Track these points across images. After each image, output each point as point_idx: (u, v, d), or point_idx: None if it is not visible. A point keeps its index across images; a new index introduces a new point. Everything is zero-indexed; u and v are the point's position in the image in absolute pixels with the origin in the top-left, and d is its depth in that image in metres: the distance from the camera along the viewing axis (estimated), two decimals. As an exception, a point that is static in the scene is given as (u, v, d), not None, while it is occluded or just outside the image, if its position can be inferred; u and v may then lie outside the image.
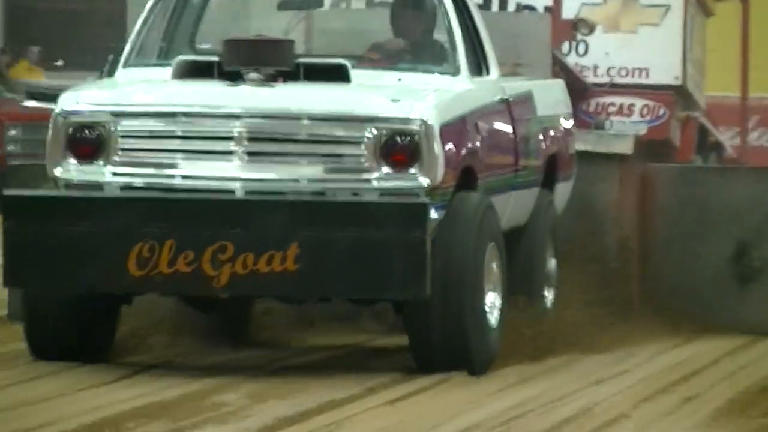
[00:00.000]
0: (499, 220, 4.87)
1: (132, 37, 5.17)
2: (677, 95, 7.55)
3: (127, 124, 4.55)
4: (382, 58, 5.36)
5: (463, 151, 4.79)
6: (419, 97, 4.69)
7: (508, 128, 5.35)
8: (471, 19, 5.39)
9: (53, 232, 4.28)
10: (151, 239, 4.16)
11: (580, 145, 6.04)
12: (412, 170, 4.44)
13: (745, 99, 9.86)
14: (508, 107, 5.39)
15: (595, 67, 7.29)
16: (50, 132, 4.58)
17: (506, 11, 7.22)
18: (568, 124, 6.10)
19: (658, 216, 6.07)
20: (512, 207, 5.34)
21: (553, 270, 5.68)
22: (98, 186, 4.50)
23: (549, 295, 5.60)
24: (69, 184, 4.52)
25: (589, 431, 3.65)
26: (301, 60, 4.80)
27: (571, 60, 7.25)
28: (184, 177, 4.47)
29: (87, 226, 4.25)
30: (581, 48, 7.19)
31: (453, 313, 4.56)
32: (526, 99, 5.70)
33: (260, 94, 4.54)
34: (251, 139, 4.44)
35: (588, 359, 5.13)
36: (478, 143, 4.91)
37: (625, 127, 7.03)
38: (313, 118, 4.47)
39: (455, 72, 5.05)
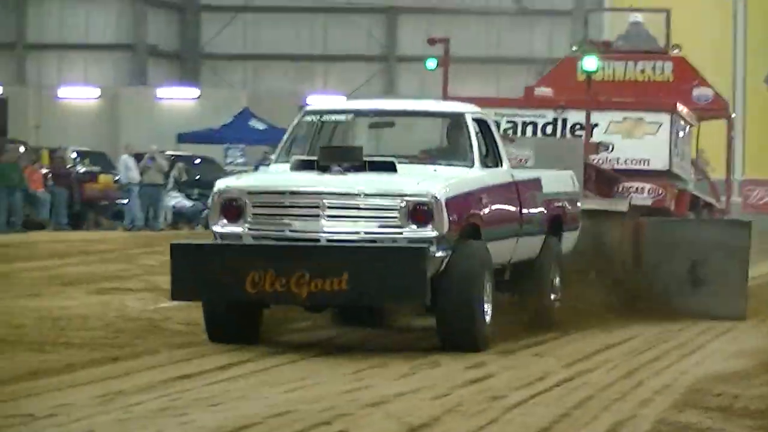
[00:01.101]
0: (491, 258, 7.17)
1: (280, 144, 8.00)
2: (669, 179, 10.75)
3: (256, 198, 6.97)
4: (428, 156, 7.91)
5: (467, 214, 7.08)
6: (435, 181, 6.97)
7: (513, 199, 7.88)
8: (491, 135, 8.06)
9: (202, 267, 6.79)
10: (260, 269, 6.57)
11: (596, 205, 9.53)
12: (428, 227, 6.74)
13: (729, 179, 13.85)
14: (516, 186, 7.97)
15: (618, 159, 10.64)
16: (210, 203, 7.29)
17: (558, 138, 10.67)
18: (571, 197, 8.91)
19: (644, 249, 9.74)
20: (520, 247, 7.96)
21: (557, 284, 8.46)
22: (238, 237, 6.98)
23: (553, 298, 8.40)
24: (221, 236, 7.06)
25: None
26: (366, 158, 7.10)
27: (604, 156, 10.49)
28: (291, 230, 6.90)
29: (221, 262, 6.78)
30: (611, 148, 10.52)
31: (464, 312, 6.86)
32: (534, 182, 8.40)
33: (335, 179, 6.92)
34: (330, 207, 6.81)
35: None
36: (481, 209, 7.29)
37: (640, 200, 10.45)
38: (366, 194, 6.81)
39: (471, 165, 7.60)
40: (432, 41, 11.48)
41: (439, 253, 6.75)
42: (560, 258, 8.66)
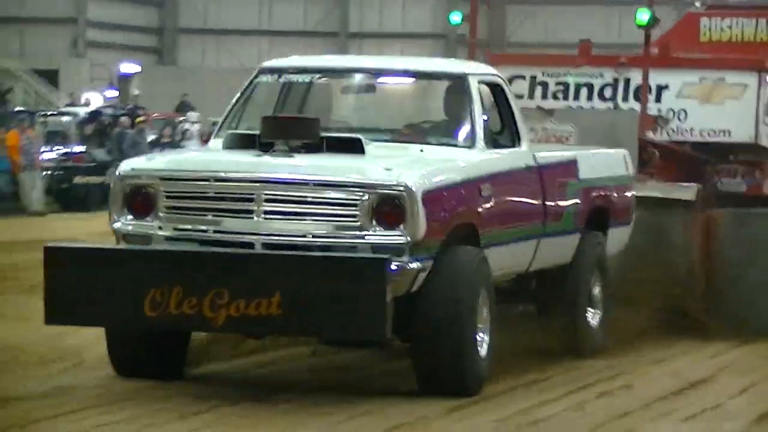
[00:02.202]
0: (488, 271, 5.41)
1: (224, 113, 6.19)
2: (757, 155, 9.03)
3: (170, 186, 5.29)
4: (414, 133, 6.08)
5: (457, 212, 5.35)
6: (412, 167, 5.23)
7: (534, 189, 6.12)
8: (508, 105, 6.22)
9: (86, 279, 5.08)
10: (164, 286, 4.93)
11: (654, 192, 7.74)
12: (399, 229, 5.02)
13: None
14: (539, 172, 6.18)
15: (691, 129, 8.77)
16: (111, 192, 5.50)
17: (607, 108, 8.95)
18: (622, 183, 7.13)
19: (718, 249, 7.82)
20: (543, 251, 6.16)
21: (598, 295, 6.68)
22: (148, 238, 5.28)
23: (592, 314, 6.64)
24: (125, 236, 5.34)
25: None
26: (325, 134, 5.43)
27: (673, 124, 8.81)
28: (215, 231, 5.17)
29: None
30: (682, 115, 8.80)
31: (448, 346, 5.16)
32: (566, 165, 6.61)
33: (278, 161, 5.22)
34: (268, 200, 5.10)
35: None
36: (480, 204, 5.51)
37: (733, 185, 8.93)
38: (318, 184, 5.11)
39: (471, 145, 5.81)
40: None
41: (413, 265, 5.06)
42: (604, 263, 6.83)
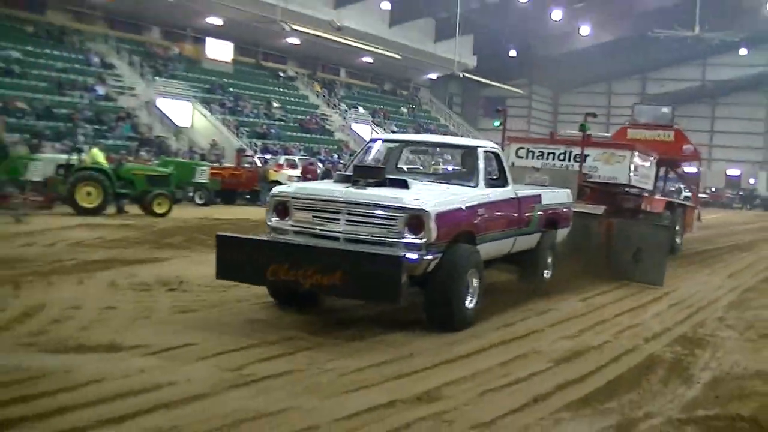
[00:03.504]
0: (478, 258, 8.58)
1: (348, 161, 10.71)
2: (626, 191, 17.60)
3: (296, 202, 8.31)
4: (444, 177, 9.91)
5: (458, 224, 8.30)
6: (429, 197, 8.04)
7: (513, 209, 9.92)
8: (501, 164, 10.09)
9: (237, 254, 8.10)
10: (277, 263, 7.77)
11: (582, 209, 13.69)
12: (421, 234, 7.77)
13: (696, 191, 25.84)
14: (518, 201, 10.12)
15: (599, 176, 16.72)
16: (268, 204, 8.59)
17: (563, 167, 16.02)
18: (566, 206, 12.26)
19: (613, 238, 13.63)
20: (520, 241, 10.28)
21: (550, 264, 11.48)
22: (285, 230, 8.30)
23: (547, 274, 11.48)
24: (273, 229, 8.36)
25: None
26: (388, 176, 8.50)
27: (595, 174, 16.42)
28: (320, 229, 8.07)
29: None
30: (595, 170, 16.66)
31: (444, 299, 8.07)
32: (534, 197, 10.95)
33: (354, 191, 8.08)
34: (348, 214, 7.96)
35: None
36: (476, 219, 8.72)
37: (627, 204, 17.30)
38: (376, 206, 7.85)
39: (475, 185, 9.24)
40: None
41: (428, 256, 7.87)
42: (554, 247, 11.60)
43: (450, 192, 8.85)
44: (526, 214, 10.37)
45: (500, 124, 16.06)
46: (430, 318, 8.26)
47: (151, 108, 38.52)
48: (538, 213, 10.85)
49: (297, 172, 32.17)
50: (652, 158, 17.80)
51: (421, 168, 11.07)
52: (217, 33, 45.29)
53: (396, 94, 60.57)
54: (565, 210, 12.13)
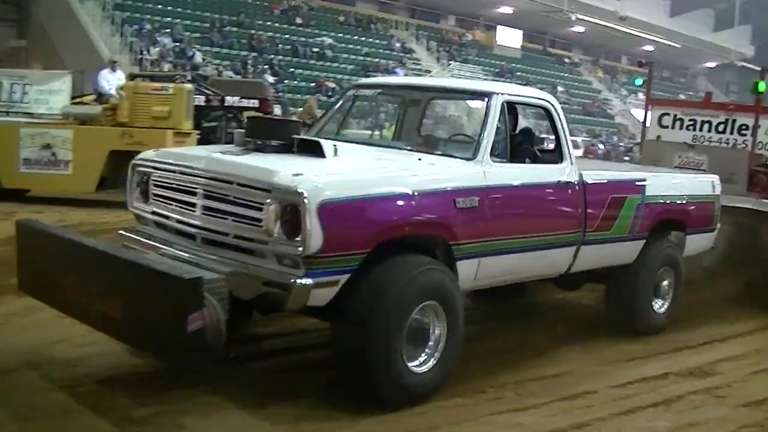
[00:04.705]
0: (441, 281, 5.04)
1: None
2: None
3: (156, 175, 5.39)
4: (426, 143, 6.25)
5: (395, 221, 4.81)
6: (318, 174, 4.62)
7: (563, 201, 6.22)
8: (555, 127, 6.35)
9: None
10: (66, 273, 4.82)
11: (748, 204, 9.56)
12: (298, 238, 4.41)
13: None
14: (582, 188, 6.35)
15: None
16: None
17: (730, 147, 11.79)
18: (705, 200, 8.08)
19: None
20: (589, 255, 6.46)
21: (666, 287, 7.65)
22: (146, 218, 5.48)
23: (660, 304, 7.60)
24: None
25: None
26: (297, 136, 5.25)
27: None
28: (176, 218, 5.13)
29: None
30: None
31: (358, 364, 4.72)
32: (623, 183, 7.07)
33: (218, 158, 5.02)
34: (206, 196, 4.91)
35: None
36: (451, 213, 5.12)
37: None
38: (239, 183, 4.70)
39: (471, 158, 5.56)
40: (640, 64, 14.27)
41: (305, 281, 4.44)
42: (676, 262, 7.74)
43: (397, 167, 5.35)
44: (603, 211, 6.60)
45: (643, 83, 13.62)
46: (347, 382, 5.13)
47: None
48: (636, 209, 7.05)
49: (579, 153, 31.72)
50: None
51: (425, 128, 7.05)
52: (507, 21, 48.08)
53: (673, 81, 59.36)
54: (702, 205, 8.04)
